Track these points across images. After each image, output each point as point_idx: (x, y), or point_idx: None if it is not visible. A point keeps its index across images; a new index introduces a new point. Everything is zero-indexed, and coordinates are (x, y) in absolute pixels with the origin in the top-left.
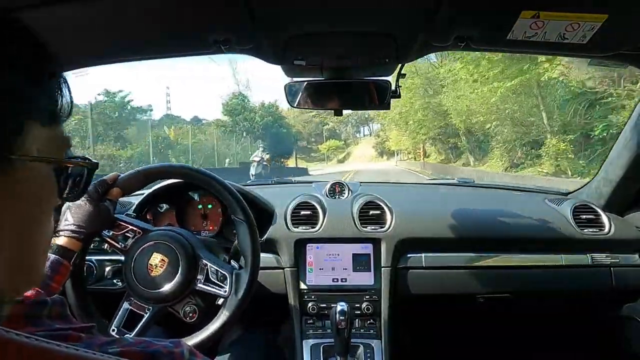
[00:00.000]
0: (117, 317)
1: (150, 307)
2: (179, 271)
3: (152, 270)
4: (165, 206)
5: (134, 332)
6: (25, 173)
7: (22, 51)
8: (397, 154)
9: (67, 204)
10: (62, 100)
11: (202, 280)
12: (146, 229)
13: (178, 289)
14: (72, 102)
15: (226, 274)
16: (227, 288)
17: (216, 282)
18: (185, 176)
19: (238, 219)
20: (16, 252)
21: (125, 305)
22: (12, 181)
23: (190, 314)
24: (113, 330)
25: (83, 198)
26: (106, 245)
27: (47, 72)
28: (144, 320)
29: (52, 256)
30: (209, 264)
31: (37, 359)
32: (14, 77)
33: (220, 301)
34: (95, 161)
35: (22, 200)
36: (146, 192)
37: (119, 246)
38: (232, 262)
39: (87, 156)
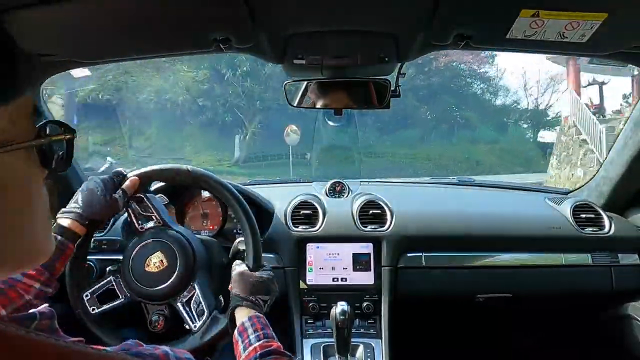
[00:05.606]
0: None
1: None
2: (175, 274)
3: (149, 268)
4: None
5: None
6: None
7: None
8: None
9: (82, 186)
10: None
11: (183, 301)
12: (166, 224)
13: (171, 291)
14: (17, 72)
15: (205, 310)
16: (198, 324)
17: (192, 312)
18: (198, 182)
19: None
20: (16, 232)
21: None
22: None
23: (157, 323)
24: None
25: (97, 185)
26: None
27: None
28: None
29: (57, 237)
30: (197, 291)
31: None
32: None
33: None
34: (72, 128)
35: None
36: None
37: (137, 225)
38: (220, 297)
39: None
